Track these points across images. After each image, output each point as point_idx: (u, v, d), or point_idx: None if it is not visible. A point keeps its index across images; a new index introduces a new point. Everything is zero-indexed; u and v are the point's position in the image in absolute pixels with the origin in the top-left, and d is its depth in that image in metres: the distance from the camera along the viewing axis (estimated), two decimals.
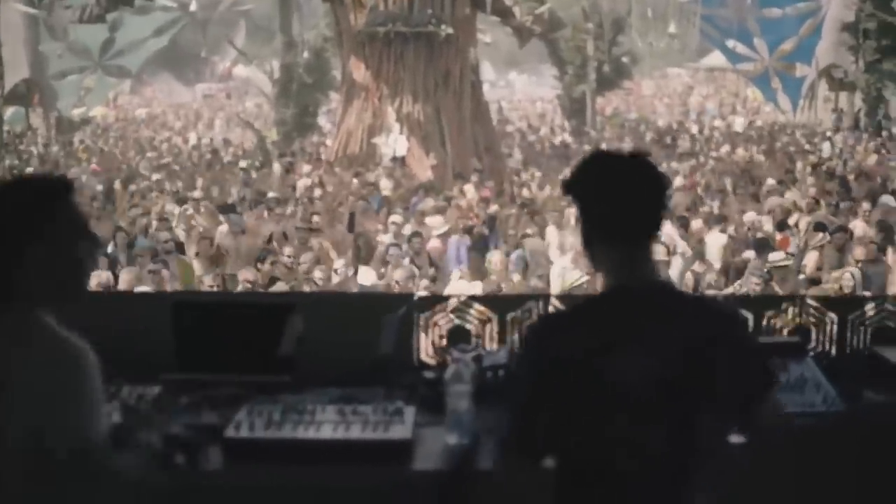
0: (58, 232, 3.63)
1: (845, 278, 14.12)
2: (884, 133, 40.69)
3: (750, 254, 15.64)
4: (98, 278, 13.05)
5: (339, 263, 15.31)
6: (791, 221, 18.95)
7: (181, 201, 21.33)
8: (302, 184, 25.40)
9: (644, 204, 3.74)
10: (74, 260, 3.71)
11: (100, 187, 25.87)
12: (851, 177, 26.18)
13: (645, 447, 3.61)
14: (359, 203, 20.68)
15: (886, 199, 20.87)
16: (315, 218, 18.77)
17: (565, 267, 14.80)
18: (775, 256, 14.47)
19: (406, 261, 15.49)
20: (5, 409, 3.49)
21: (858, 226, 18.18)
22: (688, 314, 3.74)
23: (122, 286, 13.56)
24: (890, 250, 16.08)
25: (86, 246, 3.74)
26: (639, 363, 3.58)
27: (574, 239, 16.79)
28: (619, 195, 3.71)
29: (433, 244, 17.16)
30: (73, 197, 3.76)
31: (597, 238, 3.77)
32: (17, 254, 3.58)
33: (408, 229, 18.29)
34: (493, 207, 20.94)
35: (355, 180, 25.67)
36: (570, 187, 3.82)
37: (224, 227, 17.99)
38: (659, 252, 14.46)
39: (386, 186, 24.55)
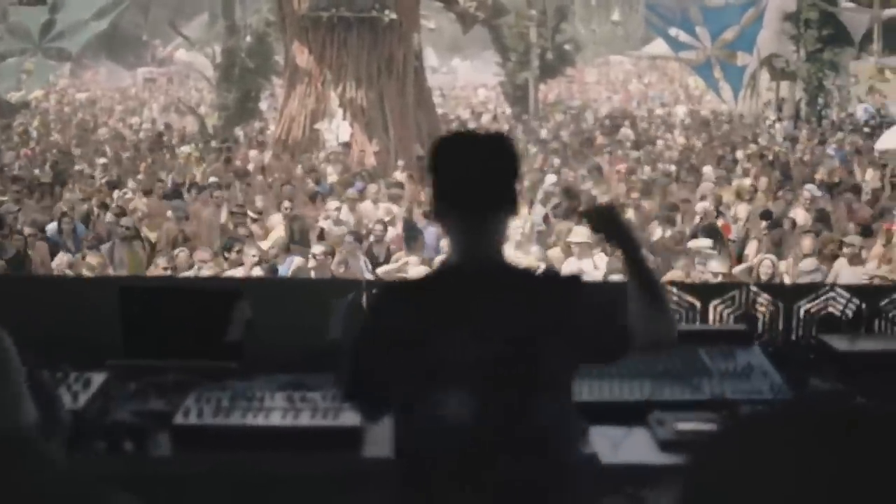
0: None
1: (764, 265, 14.18)
2: (824, 122, 41.01)
3: (700, 241, 15.58)
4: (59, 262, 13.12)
5: (265, 244, 15.23)
6: (731, 209, 19.08)
7: (122, 186, 21.19)
8: (252, 168, 25.37)
9: (486, 178, 3.81)
10: None
11: (37, 171, 25.64)
12: (791, 165, 26.40)
13: (471, 425, 3.65)
14: (286, 188, 20.56)
15: (810, 187, 21.01)
16: (258, 203, 18.71)
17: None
18: (700, 244, 14.57)
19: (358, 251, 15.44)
20: None
21: (799, 214, 18.31)
22: (520, 292, 3.80)
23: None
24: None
25: None
26: (464, 342, 3.65)
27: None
28: (461, 168, 3.81)
29: (388, 232, 17.08)
30: None
31: (442, 211, 3.85)
32: None
33: (345, 215, 18.24)
34: None
35: (299, 167, 25.61)
36: (428, 161, 3.93)
37: (168, 213, 17.94)
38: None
39: (332, 172, 24.47)
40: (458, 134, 4.11)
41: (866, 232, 16.75)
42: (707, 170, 24.39)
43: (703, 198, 19.73)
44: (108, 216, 18.12)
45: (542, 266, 12.92)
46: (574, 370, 3.93)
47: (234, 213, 17.47)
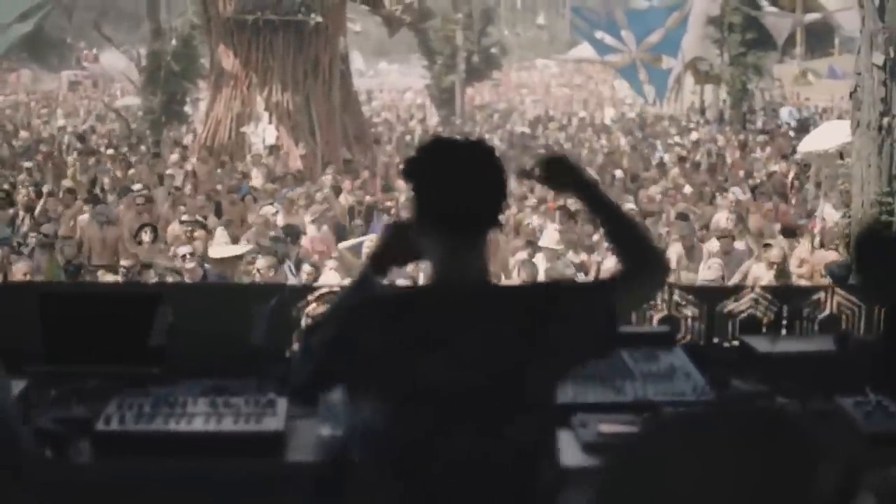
0: None
1: (713, 269, 14.30)
2: (748, 125, 41.40)
3: None
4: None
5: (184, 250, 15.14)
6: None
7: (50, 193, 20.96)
8: (177, 173, 25.19)
9: (480, 192, 3.63)
10: None
11: None
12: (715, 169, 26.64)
13: (448, 448, 3.54)
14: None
15: (735, 190, 21.23)
16: (199, 203, 18.69)
17: None
18: None
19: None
20: None
21: (720, 218, 18.43)
22: (501, 314, 3.65)
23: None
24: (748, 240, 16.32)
25: None
26: (438, 367, 3.52)
27: None
28: (451, 181, 3.60)
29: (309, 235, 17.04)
30: None
31: (429, 226, 3.65)
32: None
33: (280, 220, 18.19)
34: (368, 198, 20.88)
35: (219, 170, 25.51)
36: (407, 172, 3.71)
37: (85, 217, 17.80)
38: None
39: (256, 176, 24.37)
40: (442, 142, 3.82)
41: (790, 233, 16.95)
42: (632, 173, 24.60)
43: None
44: (26, 222, 17.92)
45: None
46: (558, 385, 3.84)
47: (184, 221, 17.20)
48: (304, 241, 16.71)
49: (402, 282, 11.19)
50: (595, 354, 4.05)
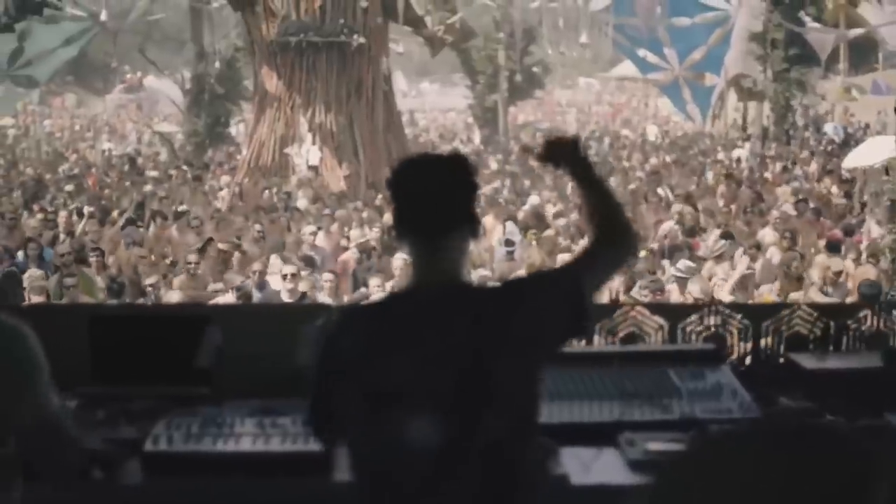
0: None
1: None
2: (792, 142, 41.20)
3: (682, 264, 15.52)
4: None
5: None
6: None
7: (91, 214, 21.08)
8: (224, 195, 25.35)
9: (440, 199, 3.80)
10: None
11: (3, 199, 25.53)
12: (758, 186, 26.50)
13: (417, 455, 3.61)
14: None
15: (786, 207, 21.14)
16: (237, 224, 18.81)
17: None
18: (670, 268, 14.62)
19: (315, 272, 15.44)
20: None
21: (767, 234, 18.35)
22: (469, 313, 3.75)
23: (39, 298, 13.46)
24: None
25: None
26: (411, 366, 3.62)
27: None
28: (416, 190, 3.81)
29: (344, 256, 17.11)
30: None
31: (401, 234, 3.88)
32: None
33: (321, 240, 18.27)
34: None
35: (266, 192, 25.60)
36: (387, 186, 3.94)
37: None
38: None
39: (301, 197, 24.45)
40: (414, 157, 4.06)
41: (835, 248, 16.85)
42: (677, 190, 24.53)
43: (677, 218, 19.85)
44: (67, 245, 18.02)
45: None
46: (538, 376, 3.85)
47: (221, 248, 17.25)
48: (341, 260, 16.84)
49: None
50: (571, 335, 4.22)
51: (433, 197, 3.80)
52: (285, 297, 13.56)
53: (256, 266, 15.10)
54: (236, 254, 16.64)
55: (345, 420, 3.77)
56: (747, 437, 2.05)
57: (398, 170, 3.92)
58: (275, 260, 16.13)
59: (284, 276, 13.99)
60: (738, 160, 34.57)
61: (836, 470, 1.87)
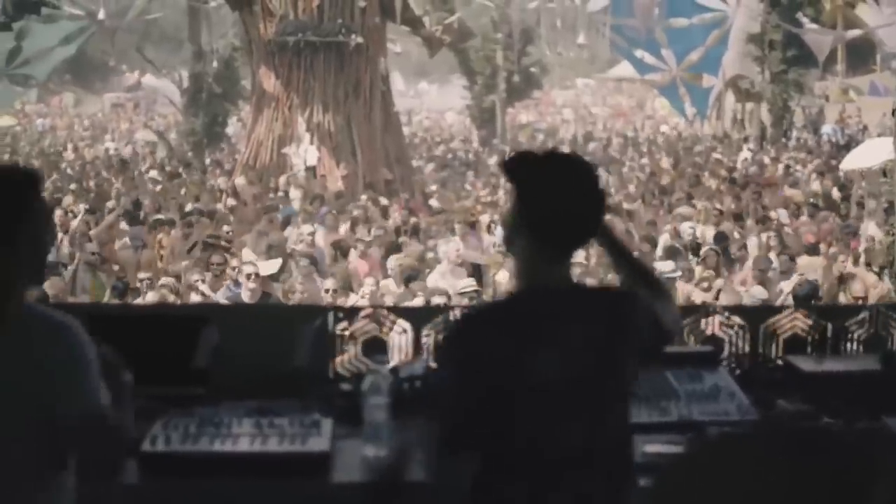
0: (38, 221, 3.77)
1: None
2: (790, 143, 41.22)
3: (664, 264, 15.49)
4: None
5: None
6: (698, 232, 19.08)
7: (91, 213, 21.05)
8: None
9: (588, 212, 3.77)
10: (45, 248, 3.93)
11: None
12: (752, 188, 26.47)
13: (560, 445, 3.67)
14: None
15: (780, 212, 21.12)
16: (225, 229, 18.70)
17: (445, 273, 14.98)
18: (664, 267, 14.62)
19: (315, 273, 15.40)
20: (14, 392, 3.60)
21: (753, 240, 18.29)
22: (597, 310, 3.81)
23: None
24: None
25: (50, 236, 3.98)
26: (555, 361, 3.65)
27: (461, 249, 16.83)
28: (570, 199, 3.70)
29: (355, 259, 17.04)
30: (42, 190, 3.90)
31: (531, 235, 3.74)
32: (9, 240, 3.69)
33: (319, 239, 18.25)
34: (413, 219, 20.88)
35: (272, 195, 25.59)
36: (521, 175, 3.81)
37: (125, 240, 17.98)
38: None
39: (294, 197, 24.43)
40: (553, 156, 3.90)
41: (813, 251, 16.86)
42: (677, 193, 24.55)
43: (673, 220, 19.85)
44: (66, 243, 17.94)
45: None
46: (636, 378, 4.01)
47: (208, 242, 17.20)
48: (352, 260, 16.76)
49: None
50: (654, 356, 4.30)
51: (587, 206, 3.77)
52: (246, 298, 13.36)
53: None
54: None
55: (483, 423, 3.69)
56: (746, 440, 2.05)
57: (538, 168, 3.80)
58: (248, 254, 16.09)
59: (248, 276, 13.74)
60: (734, 162, 34.55)
61: (835, 473, 1.87)
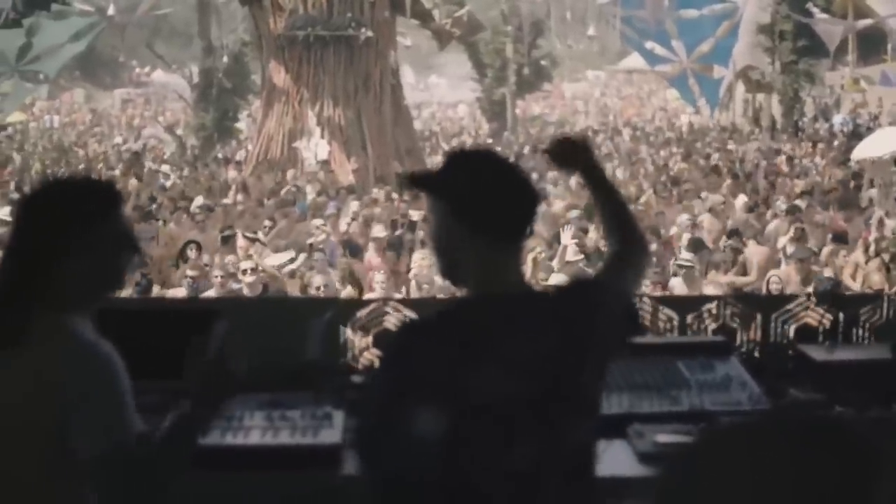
0: (105, 240, 3.69)
1: (772, 280, 14.14)
2: (800, 133, 41.16)
3: (684, 255, 15.39)
4: None
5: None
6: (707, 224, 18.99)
7: None
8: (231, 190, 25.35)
9: (522, 202, 3.68)
10: (115, 269, 3.81)
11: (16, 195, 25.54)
12: (766, 178, 26.43)
13: (509, 466, 3.51)
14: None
15: (797, 202, 21.05)
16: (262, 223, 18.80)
17: None
18: (683, 257, 14.58)
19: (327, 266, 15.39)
20: (36, 411, 3.53)
21: (778, 226, 18.26)
22: (552, 320, 3.64)
23: None
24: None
25: (128, 256, 3.84)
26: (501, 379, 3.48)
27: None
28: (499, 192, 3.61)
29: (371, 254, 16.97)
30: (120, 205, 3.83)
31: (468, 238, 3.59)
32: (63, 257, 3.63)
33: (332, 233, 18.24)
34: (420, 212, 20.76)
35: (284, 191, 25.57)
36: (439, 185, 3.72)
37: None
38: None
39: (311, 191, 24.40)
40: (486, 153, 3.86)
41: (841, 240, 16.80)
42: (687, 184, 24.49)
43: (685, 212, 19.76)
44: None
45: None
46: (603, 384, 3.85)
47: (247, 236, 17.15)
48: (366, 257, 16.73)
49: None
50: (625, 339, 4.15)
51: (522, 196, 3.69)
52: (246, 292, 13.32)
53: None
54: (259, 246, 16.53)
55: (422, 437, 3.51)
56: (758, 430, 2.04)
57: (472, 167, 3.73)
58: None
59: (244, 271, 13.68)
60: (743, 154, 34.51)
61: (846, 464, 1.86)
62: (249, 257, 14.94)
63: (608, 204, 4.17)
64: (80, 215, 3.66)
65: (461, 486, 3.54)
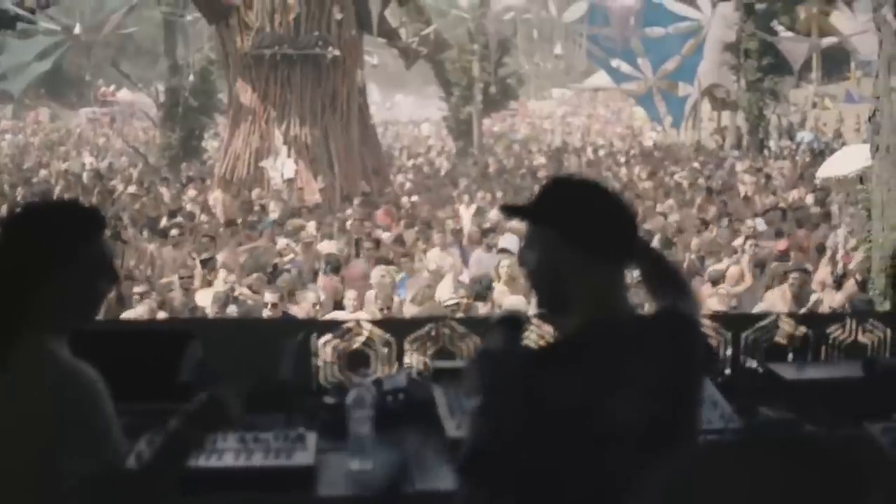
0: (85, 265, 3.69)
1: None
2: (765, 151, 41.39)
3: None
4: None
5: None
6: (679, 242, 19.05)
7: None
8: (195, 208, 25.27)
9: (625, 223, 3.69)
10: (95, 294, 3.82)
11: None
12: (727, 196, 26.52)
13: (634, 482, 3.45)
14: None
15: (757, 221, 21.13)
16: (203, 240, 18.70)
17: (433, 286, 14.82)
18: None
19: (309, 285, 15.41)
20: (19, 439, 3.52)
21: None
22: (665, 342, 3.67)
23: None
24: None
25: (105, 283, 3.83)
26: (630, 403, 3.48)
27: (452, 260, 16.86)
28: (605, 213, 3.64)
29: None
30: (103, 231, 3.83)
31: (578, 262, 3.61)
32: (42, 282, 3.63)
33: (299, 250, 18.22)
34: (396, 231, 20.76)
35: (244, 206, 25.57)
36: (546, 213, 3.71)
37: None
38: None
39: (273, 209, 24.37)
40: (577, 180, 3.86)
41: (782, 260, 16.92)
42: (648, 203, 24.55)
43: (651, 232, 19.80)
44: None
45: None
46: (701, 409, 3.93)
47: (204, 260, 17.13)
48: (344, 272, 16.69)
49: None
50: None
51: (626, 219, 3.69)
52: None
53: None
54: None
55: (545, 460, 3.50)
56: (736, 450, 2.06)
57: (579, 189, 3.76)
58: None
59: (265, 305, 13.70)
60: (710, 171, 34.64)
61: (825, 482, 1.88)
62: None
63: (649, 266, 4.25)
64: (64, 240, 3.66)
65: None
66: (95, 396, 3.63)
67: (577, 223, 3.63)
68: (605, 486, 3.51)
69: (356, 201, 25.41)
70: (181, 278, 15.49)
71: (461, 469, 3.63)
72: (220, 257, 16.96)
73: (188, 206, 25.26)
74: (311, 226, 21.16)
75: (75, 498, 3.58)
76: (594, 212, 3.64)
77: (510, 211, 4.04)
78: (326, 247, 18.61)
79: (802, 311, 12.70)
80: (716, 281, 15.10)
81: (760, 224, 20.66)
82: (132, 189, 30.10)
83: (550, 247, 3.66)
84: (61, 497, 3.57)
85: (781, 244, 18.14)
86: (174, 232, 19.35)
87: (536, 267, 3.73)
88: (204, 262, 16.58)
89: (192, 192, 28.97)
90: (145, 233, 20.62)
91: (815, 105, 49.93)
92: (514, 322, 4.12)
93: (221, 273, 15.90)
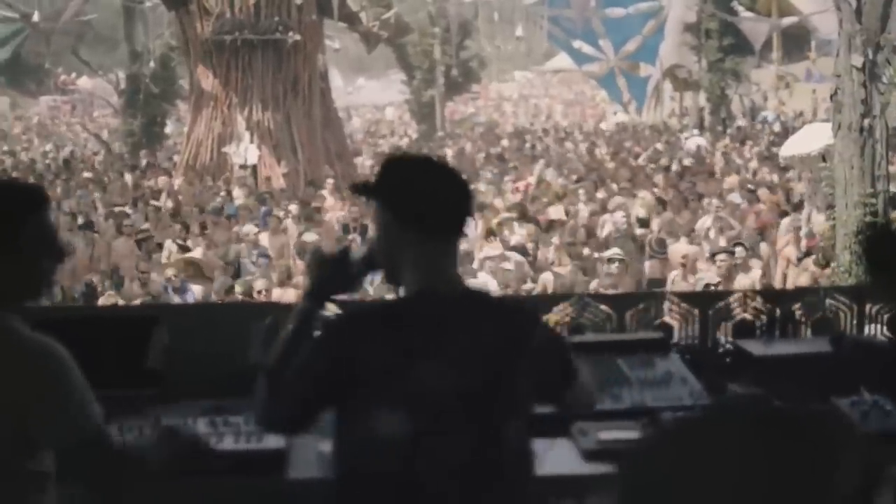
0: (29, 242, 3.66)
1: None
2: (728, 131, 41.50)
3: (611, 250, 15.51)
4: None
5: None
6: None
7: None
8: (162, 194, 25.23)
9: (455, 199, 3.77)
10: (39, 272, 3.76)
11: None
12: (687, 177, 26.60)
13: (447, 458, 3.60)
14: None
15: (733, 196, 21.24)
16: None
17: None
18: (610, 252, 14.73)
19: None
20: None
21: (706, 221, 18.43)
22: (491, 320, 3.77)
23: None
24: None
25: (51, 260, 3.79)
26: (441, 373, 3.59)
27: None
28: (433, 190, 3.72)
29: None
30: (47, 208, 3.80)
31: (407, 238, 3.71)
32: None
33: (263, 238, 18.21)
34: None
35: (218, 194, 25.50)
36: (375, 189, 3.84)
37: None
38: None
39: (238, 195, 24.31)
40: (420, 156, 4.01)
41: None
42: (614, 185, 24.62)
43: (612, 211, 19.85)
44: None
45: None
46: (533, 399, 3.91)
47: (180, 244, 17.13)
48: None
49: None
50: (553, 402, 4.14)
51: (456, 195, 3.77)
52: None
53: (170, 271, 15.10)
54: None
55: (351, 424, 3.68)
56: (705, 425, 2.06)
57: (404, 168, 3.90)
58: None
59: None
60: (677, 150, 34.76)
61: (797, 456, 1.88)
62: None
63: None
64: (4, 217, 3.64)
65: (398, 475, 3.62)
66: (68, 367, 3.65)
67: (403, 200, 3.74)
68: (412, 452, 3.59)
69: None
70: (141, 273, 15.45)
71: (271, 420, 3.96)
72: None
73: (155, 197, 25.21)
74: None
75: (51, 468, 3.61)
76: (422, 189, 3.74)
77: (356, 189, 4.19)
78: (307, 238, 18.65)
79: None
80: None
81: (737, 198, 20.79)
82: (88, 174, 29.98)
83: (385, 223, 3.80)
84: (35, 467, 3.59)
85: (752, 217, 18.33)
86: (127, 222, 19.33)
87: (376, 241, 3.87)
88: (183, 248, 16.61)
89: (163, 179, 28.87)
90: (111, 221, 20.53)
91: (787, 85, 50.13)
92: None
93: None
